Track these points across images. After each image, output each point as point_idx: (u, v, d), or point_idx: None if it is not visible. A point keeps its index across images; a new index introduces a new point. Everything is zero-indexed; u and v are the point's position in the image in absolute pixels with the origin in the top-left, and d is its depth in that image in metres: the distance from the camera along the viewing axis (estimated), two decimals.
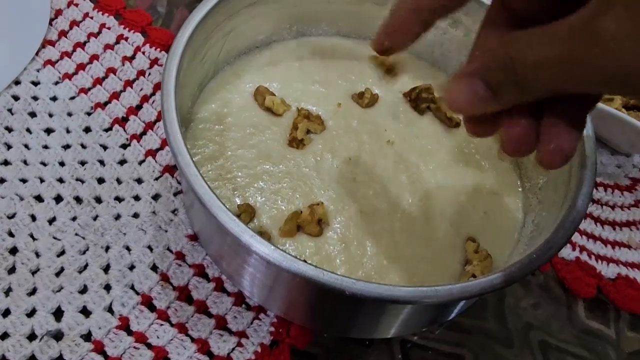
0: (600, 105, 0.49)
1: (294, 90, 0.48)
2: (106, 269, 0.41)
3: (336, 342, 0.41)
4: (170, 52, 0.38)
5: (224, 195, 0.41)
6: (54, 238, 0.42)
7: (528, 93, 0.25)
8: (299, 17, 0.50)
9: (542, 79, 0.24)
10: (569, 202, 0.35)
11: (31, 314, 0.39)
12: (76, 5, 0.57)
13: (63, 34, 0.55)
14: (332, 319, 0.39)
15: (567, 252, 0.46)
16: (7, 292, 0.39)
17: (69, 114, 0.49)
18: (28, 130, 0.48)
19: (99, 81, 0.52)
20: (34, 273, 0.40)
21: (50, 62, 0.52)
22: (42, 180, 0.45)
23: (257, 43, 0.50)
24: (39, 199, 0.44)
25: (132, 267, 0.42)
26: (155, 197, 0.45)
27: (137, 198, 0.45)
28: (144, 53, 0.54)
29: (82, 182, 0.45)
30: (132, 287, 0.41)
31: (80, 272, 0.41)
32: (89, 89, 0.51)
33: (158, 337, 0.39)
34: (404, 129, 0.48)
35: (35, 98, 0.50)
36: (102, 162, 0.47)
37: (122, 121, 0.49)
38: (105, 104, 0.50)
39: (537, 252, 0.33)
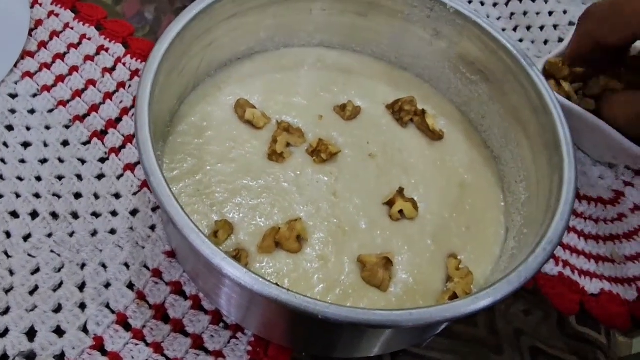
0: (581, 112, 0.48)
1: (275, 102, 0.48)
2: (81, 287, 0.41)
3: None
4: (145, 66, 0.38)
5: (201, 211, 0.41)
6: (29, 255, 0.41)
7: None
8: (280, 28, 0.50)
9: None
10: (547, 222, 0.34)
11: (4, 334, 0.38)
12: (57, 15, 0.56)
13: (43, 44, 0.54)
14: (310, 340, 0.39)
15: (550, 268, 0.46)
16: None
17: (47, 127, 0.48)
18: (5, 144, 0.47)
19: (78, 93, 0.51)
20: (7, 292, 0.40)
21: (29, 74, 0.52)
22: (18, 196, 0.44)
23: (238, 54, 0.49)
24: (14, 214, 0.43)
25: (107, 285, 0.41)
26: (133, 212, 0.44)
27: (114, 213, 0.44)
28: (124, 64, 0.53)
29: (59, 197, 0.45)
30: (108, 306, 0.40)
31: (54, 290, 0.40)
32: (68, 101, 0.50)
33: (133, 357, 0.38)
34: (387, 141, 0.47)
35: (12, 111, 0.49)
36: (79, 177, 0.46)
37: (101, 134, 0.49)
38: (84, 116, 0.50)
39: (517, 274, 0.32)
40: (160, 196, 0.32)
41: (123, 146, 0.48)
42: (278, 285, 0.30)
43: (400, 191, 0.44)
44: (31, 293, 0.40)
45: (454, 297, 0.39)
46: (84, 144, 0.48)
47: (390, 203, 0.43)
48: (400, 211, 0.43)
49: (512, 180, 0.44)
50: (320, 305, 0.30)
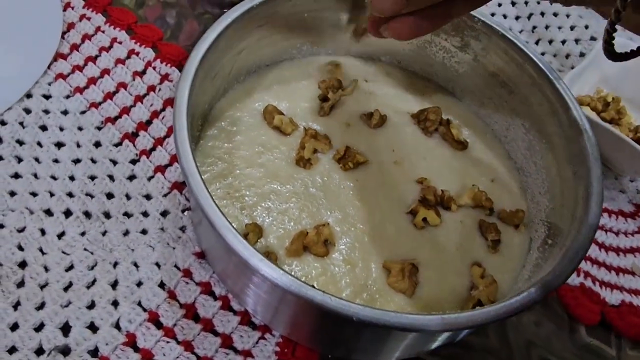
0: (606, 126, 0.49)
1: (302, 109, 0.49)
2: (114, 285, 0.42)
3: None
4: (183, 72, 0.39)
5: (231, 214, 0.42)
6: (63, 253, 0.43)
7: None
8: (308, 37, 0.51)
9: None
10: (573, 234, 0.35)
11: (39, 328, 0.39)
12: (88, 19, 0.58)
13: (75, 47, 0.55)
14: (338, 342, 0.40)
15: (571, 278, 0.46)
16: (16, 306, 0.40)
17: (80, 128, 0.50)
18: (39, 143, 0.48)
19: (109, 96, 0.52)
20: (42, 287, 0.41)
21: (61, 76, 0.53)
22: (52, 194, 0.45)
23: (267, 61, 0.51)
24: (48, 213, 0.44)
25: (139, 284, 0.42)
26: (164, 213, 0.45)
27: (145, 214, 0.45)
28: (154, 68, 0.55)
29: (92, 197, 0.46)
30: (140, 304, 0.41)
31: (88, 287, 0.41)
32: (100, 103, 0.52)
33: (164, 355, 0.39)
34: (412, 150, 0.48)
35: (46, 111, 0.50)
36: (111, 177, 0.47)
37: (132, 136, 0.50)
38: (116, 118, 0.51)
39: (541, 283, 0.33)
40: (197, 196, 0.34)
41: (153, 148, 0.49)
42: (314, 287, 0.31)
43: (423, 200, 0.44)
44: (65, 289, 0.41)
45: (478, 304, 0.39)
46: (116, 145, 0.49)
47: (413, 211, 0.44)
48: (424, 219, 0.43)
49: (536, 192, 0.45)
50: (355, 308, 0.30)
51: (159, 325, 0.40)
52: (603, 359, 0.45)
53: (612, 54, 0.31)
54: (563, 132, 0.42)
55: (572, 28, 0.65)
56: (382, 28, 0.36)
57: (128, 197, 0.46)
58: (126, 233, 0.44)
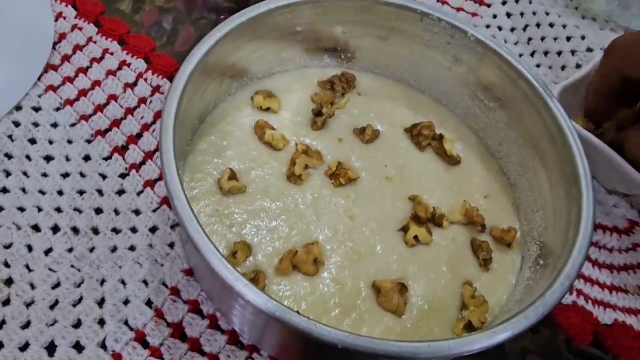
0: (595, 142, 0.48)
1: (295, 123, 0.48)
2: (101, 302, 0.41)
3: None
4: (170, 89, 0.38)
5: (220, 231, 0.41)
6: (50, 269, 0.42)
7: None
8: (302, 49, 0.50)
9: None
10: (566, 254, 0.35)
11: (24, 347, 0.39)
12: (80, 29, 0.57)
13: (66, 58, 0.55)
14: None
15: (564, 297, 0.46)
16: (1, 324, 0.39)
17: (69, 141, 0.49)
18: (27, 157, 0.48)
19: (100, 108, 0.52)
20: (28, 305, 0.40)
21: (52, 87, 0.52)
22: (40, 209, 0.45)
23: (259, 74, 0.50)
24: (36, 228, 0.44)
25: (126, 302, 0.41)
26: (153, 229, 0.45)
27: (134, 230, 0.45)
28: (145, 80, 0.54)
29: (80, 212, 0.45)
30: (126, 323, 0.41)
31: (74, 305, 0.41)
32: (90, 115, 0.51)
33: None
34: (404, 165, 0.48)
35: (35, 124, 0.50)
36: (100, 192, 0.47)
37: (122, 150, 0.49)
38: (106, 131, 0.50)
39: (534, 309, 0.32)
40: (183, 219, 0.33)
41: (143, 162, 0.49)
42: (299, 313, 0.30)
43: (415, 216, 0.44)
44: (51, 307, 0.41)
45: (468, 325, 0.39)
46: (105, 159, 0.49)
47: (405, 229, 0.43)
48: (415, 237, 0.43)
49: (529, 209, 0.44)
50: (340, 335, 0.30)
51: (145, 344, 0.40)
52: None
53: None
54: (556, 150, 0.41)
55: (568, 39, 0.65)
56: None
57: (117, 212, 0.46)
58: (114, 249, 0.44)
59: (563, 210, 0.40)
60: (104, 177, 0.48)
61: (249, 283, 0.31)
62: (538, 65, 0.63)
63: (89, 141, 0.50)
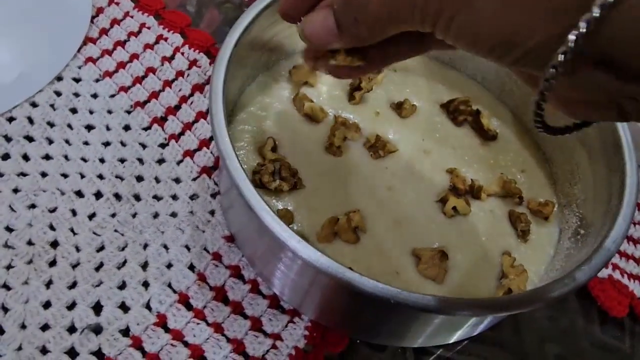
0: None
1: (332, 97, 0.49)
2: (144, 266, 0.42)
3: (348, 346, 0.41)
4: (218, 56, 0.39)
5: (264, 199, 0.42)
6: (94, 233, 0.43)
7: (368, 35, 0.26)
8: None
9: (384, 17, 0.25)
10: (608, 224, 0.35)
11: (71, 306, 0.40)
12: (117, 4, 0.58)
13: (104, 32, 0.56)
14: (366, 325, 0.40)
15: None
16: (48, 284, 0.40)
17: (109, 112, 0.50)
18: (69, 125, 0.48)
19: (138, 80, 0.52)
20: (74, 267, 0.41)
21: (91, 60, 0.53)
22: (82, 176, 0.46)
23: (297, 48, 0.50)
24: (79, 194, 0.45)
25: (169, 266, 0.42)
26: (193, 197, 0.46)
27: (175, 197, 0.46)
28: (182, 54, 0.55)
29: (122, 179, 0.46)
30: (170, 286, 0.41)
31: (119, 268, 0.41)
32: (129, 87, 0.52)
33: (194, 336, 0.39)
34: (441, 139, 0.48)
35: (76, 94, 0.50)
36: (141, 161, 0.47)
37: (161, 120, 0.50)
38: (145, 102, 0.51)
39: (575, 276, 0.33)
40: (235, 179, 0.34)
41: (182, 133, 0.49)
42: (352, 269, 0.31)
43: (453, 188, 0.44)
44: (97, 269, 0.41)
45: (508, 292, 0.39)
46: (145, 129, 0.49)
47: (443, 200, 0.44)
48: (454, 208, 0.43)
49: (566, 183, 0.45)
50: (393, 291, 0.31)
51: (189, 306, 0.40)
52: (617, 355, 0.45)
53: (544, 127, 0.27)
54: (596, 122, 0.42)
55: None
56: (319, 64, 0.33)
57: (157, 180, 0.46)
58: (156, 215, 0.44)
59: (604, 182, 0.40)
60: (144, 146, 0.48)
61: (302, 240, 0.32)
62: None
63: (128, 112, 0.50)
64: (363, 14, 0.26)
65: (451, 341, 0.42)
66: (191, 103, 0.51)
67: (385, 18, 0.25)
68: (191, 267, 0.42)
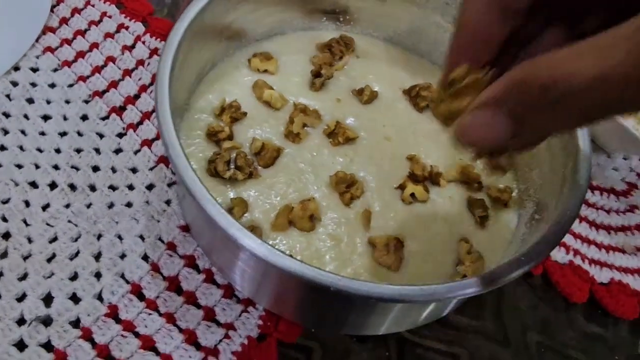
0: None
1: (293, 84, 0.48)
2: (97, 256, 0.41)
3: (332, 336, 0.41)
4: (166, 42, 0.38)
5: (217, 188, 0.41)
6: (47, 224, 0.42)
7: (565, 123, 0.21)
8: (299, 10, 0.50)
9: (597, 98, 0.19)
10: (560, 206, 0.35)
11: (21, 298, 0.39)
12: None
13: (64, 21, 0.55)
14: (321, 315, 0.39)
15: (560, 256, 0.46)
16: None
17: (67, 102, 0.49)
18: (25, 116, 0.48)
19: (97, 69, 0.52)
20: (25, 258, 0.41)
21: (50, 49, 0.52)
22: (37, 167, 0.45)
23: (256, 36, 0.50)
24: (33, 185, 0.44)
25: (123, 256, 0.42)
26: (149, 187, 0.45)
27: (131, 187, 0.45)
28: (144, 43, 0.54)
29: (77, 169, 0.45)
30: (123, 276, 0.41)
31: (71, 259, 0.41)
32: (88, 76, 0.51)
33: (146, 326, 0.39)
34: (402, 125, 0.47)
35: (33, 84, 0.50)
36: (97, 151, 0.47)
37: (119, 110, 0.49)
38: (103, 92, 0.50)
39: (525, 256, 0.32)
40: (178, 168, 0.33)
41: (141, 122, 0.49)
42: (292, 257, 0.31)
43: (412, 175, 0.44)
44: (49, 260, 0.41)
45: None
46: (103, 119, 0.49)
47: (402, 187, 0.43)
48: (412, 195, 0.43)
49: (525, 168, 0.44)
50: (333, 278, 0.30)
51: (141, 297, 0.40)
52: (600, 343, 0.44)
53: None
54: None
55: None
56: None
57: (114, 170, 0.46)
58: (111, 206, 0.44)
59: (559, 166, 0.39)
60: (101, 136, 0.48)
61: (243, 228, 0.31)
62: None
63: (86, 101, 0.49)
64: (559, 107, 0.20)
65: (418, 325, 0.42)
66: (151, 92, 0.51)
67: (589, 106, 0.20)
68: (145, 258, 0.42)
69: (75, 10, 0.56)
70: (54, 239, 0.42)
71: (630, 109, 0.20)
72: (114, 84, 0.51)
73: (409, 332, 0.43)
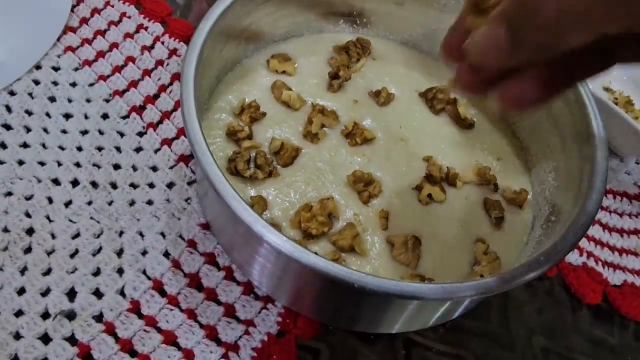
0: (612, 106, 0.49)
1: (310, 85, 0.49)
2: (119, 253, 0.42)
3: (340, 338, 0.41)
4: (190, 42, 0.39)
5: (237, 186, 0.42)
6: (70, 221, 0.43)
7: (552, 44, 0.22)
8: (318, 13, 0.51)
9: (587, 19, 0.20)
10: (577, 209, 0.35)
11: (45, 293, 0.40)
12: None
13: (84, 21, 0.55)
14: (339, 312, 0.40)
15: (574, 258, 0.47)
16: (23, 271, 0.40)
17: (88, 100, 0.50)
18: (47, 114, 0.48)
19: (118, 69, 0.52)
20: (49, 254, 0.41)
21: (70, 49, 0.53)
22: (59, 164, 0.46)
23: (275, 37, 0.51)
24: (56, 182, 0.45)
25: (144, 253, 0.42)
26: (170, 185, 0.46)
27: (151, 185, 0.46)
28: (162, 43, 0.55)
29: (99, 167, 0.46)
30: (144, 272, 0.41)
31: (94, 255, 0.42)
32: (108, 76, 0.52)
33: (167, 322, 0.39)
34: (419, 127, 0.48)
35: (55, 83, 0.50)
36: (118, 149, 0.47)
37: (140, 109, 0.50)
38: (124, 91, 0.51)
39: (543, 256, 0.33)
40: (204, 164, 0.34)
41: (160, 121, 0.49)
42: (316, 254, 0.31)
43: (428, 176, 0.45)
44: (72, 256, 0.41)
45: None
46: (123, 117, 0.49)
47: (419, 187, 0.44)
48: (429, 195, 0.44)
49: (541, 170, 0.45)
50: (356, 275, 0.31)
51: (163, 293, 0.41)
52: (605, 348, 0.45)
53: None
54: (570, 111, 0.42)
55: None
56: (489, 94, 0.29)
57: (134, 168, 0.46)
58: (132, 203, 0.45)
59: (576, 169, 0.40)
60: (122, 134, 0.48)
61: (268, 225, 0.32)
62: None
63: (107, 100, 0.50)
64: (544, 16, 0.21)
65: (429, 326, 0.42)
66: (170, 92, 0.51)
67: (573, 19, 0.21)
68: (166, 254, 0.42)
69: (95, 11, 0.56)
70: (77, 235, 0.42)
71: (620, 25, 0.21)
72: (133, 84, 0.51)
73: (416, 335, 0.43)
